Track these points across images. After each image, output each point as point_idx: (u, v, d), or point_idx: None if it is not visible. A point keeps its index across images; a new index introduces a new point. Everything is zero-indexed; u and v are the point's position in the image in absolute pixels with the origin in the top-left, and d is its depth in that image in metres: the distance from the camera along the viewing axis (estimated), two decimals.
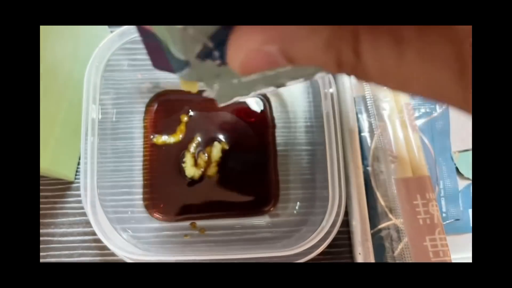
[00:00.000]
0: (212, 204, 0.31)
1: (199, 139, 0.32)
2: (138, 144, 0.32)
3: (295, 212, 0.31)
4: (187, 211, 0.31)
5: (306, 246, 0.26)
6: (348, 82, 0.29)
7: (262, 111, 0.33)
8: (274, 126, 0.33)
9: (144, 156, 0.32)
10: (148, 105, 0.33)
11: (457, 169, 0.31)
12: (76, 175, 0.32)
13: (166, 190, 0.31)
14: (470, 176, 0.31)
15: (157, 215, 0.31)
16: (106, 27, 0.34)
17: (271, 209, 0.31)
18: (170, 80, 0.33)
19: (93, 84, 0.28)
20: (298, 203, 0.31)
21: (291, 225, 0.30)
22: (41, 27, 0.22)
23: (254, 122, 0.33)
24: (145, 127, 0.33)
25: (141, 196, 0.31)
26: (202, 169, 0.31)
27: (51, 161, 0.28)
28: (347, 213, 0.30)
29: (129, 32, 0.29)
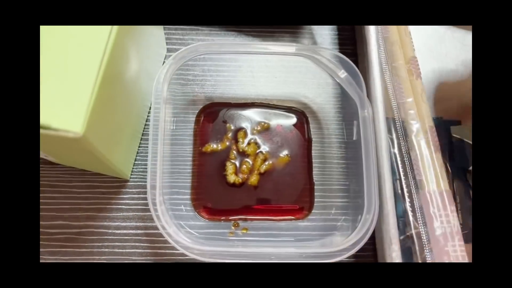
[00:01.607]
0: (253, 207, 0.35)
1: (243, 146, 0.36)
2: (189, 150, 0.36)
3: (329, 218, 0.34)
4: (230, 213, 0.35)
5: (338, 247, 0.30)
6: (381, 104, 0.33)
7: (300, 126, 0.37)
8: (310, 141, 0.37)
9: (193, 161, 0.36)
10: (198, 115, 0.37)
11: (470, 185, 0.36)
12: (131, 174, 0.35)
13: (211, 192, 0.35)
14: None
15: (204, 214, 0.34)
16: (165, 46, 0.38)
17: (307, 214, 0.35)
18: (217, 94, 0.37)
19: (160, 96, 0.32)
20: (332, 210, 0.34)
21: (325, 229, 0.34)
22: (124, 45, 0.26)
23: (292, 136, 0.37)
24: (195, 135, 0.36)
25: (189, 197, 0.35)
26: (244, 176, 0.35)
27: (121, 162, 0.31)
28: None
29: (188, 53, 0.33)
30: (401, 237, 0.32)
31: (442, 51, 0.40)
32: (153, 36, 0.33)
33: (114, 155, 0.29)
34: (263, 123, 0.37)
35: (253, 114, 0.37)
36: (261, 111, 0.37)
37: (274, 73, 0.38)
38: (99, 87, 0.22)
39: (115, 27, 0.24)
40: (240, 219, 0.34)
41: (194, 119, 0.37)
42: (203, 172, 0.35)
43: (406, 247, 0.31)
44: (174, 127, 0.35)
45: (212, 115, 0.37)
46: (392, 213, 0.31)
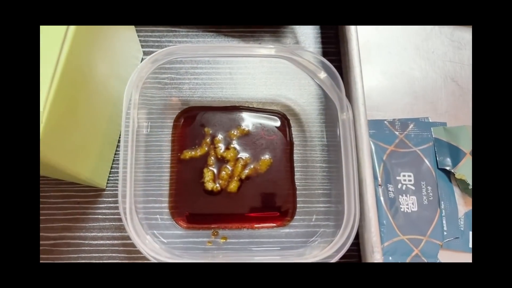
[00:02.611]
0: (233, 215, 0.34)
1: (221, 152, 0.35)
2: (166, 156, 0.35)
3: (311, 224, 0.33)
4: (209, 221, 0.33)
5: (321, 256, 0.29)
6: (362, 107, 0.32)
7: (281, 129, 0.36)
8: (292, 144, 0.35)
9: (171, 168, 0.35)
10: (175, 120, 0.36)
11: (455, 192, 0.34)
12: (107, 183, 0.34)
13: (190, 200, 0.34)
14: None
15: (182, 223, 0.33)
16: (140, 49, 0.37)
17: (289, 220, 0.34)
18: (195, 98, 0.36)
19: (133, 100, 0.30)
20: (314, 216, 0.33)
21: (307, 236, 0.32)
22: (90, 47, 0.25)
23: (274, 140, 0.35)
24: (172, 141, 0.35)
25: (167, 205, 0.34)
26: (224, 182, 0.34)
27: (92, 170, 0.30)
28: (358, 227, 0.32)
29: (163, 56, 0.31)
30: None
31: (429, 47, 0.38)
32: (123, 38, 0.32)
33: (81, 166, 0.28)
34: (243, 128, 0.35)
35: (232, 118, 0.36)
36: (241, 114, 0.36)
37: (254, 75, 0.37)
38: (54, 97, 0.21)
39: (72, 28, 0.22)
40: (219, 227, 0.33)
41: (171, 124, 0.36)
42: (181, 180, 0.34)
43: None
44: (149, 132, 0.33)
45: (190, 119, 0.36)
46: (374, 219, 0.30)
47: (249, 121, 0.36)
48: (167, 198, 0.34)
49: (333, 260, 0.29)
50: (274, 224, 0.34)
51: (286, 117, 0.36)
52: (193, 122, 0.36)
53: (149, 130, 0.33)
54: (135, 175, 0.30)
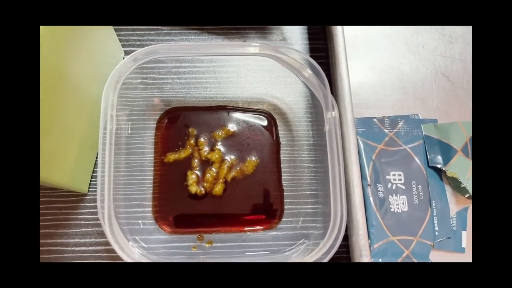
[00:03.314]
0: (219, 218, 0.33)
1: (206, 153, 0.34)
2: (149, 159, 0.34)
3: (298, 226, 0.32)
4: (194, 225, 0.33)
5: (309, 260, 0.28)
6: (349, 105, 0.31)
7: (268, 129, 0.35)
8: (279, 144, 0.34)
9: (154, 170, 0.34)
10: (158, 122, 0.35)
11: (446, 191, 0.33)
12: (89, 188, 0.34)
13: (174, 204, 0.33)
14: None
15: (166, 228, 0.32)
16: (120, 48, 0.36)
17: (276, 223, 0.33)
18: (179, 98, 0.35)
19: (111, 101, 0.29)
20: (301, 218, 0.32)
21: (295, 238, 0.32)
22: (63, 47, 0.24)
23: (260, 140, 0.34)
24: (155, 143, 0.34)
25: (150, 209, 0.33)
26: (208, 185, 0.33)
27: (70, 175, 0.29)
28: (347, 229, 0.31)
29: (143, 55, 0.30)
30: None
31: (419, 42, 0.37)
32: (101, 37, 0.31)
33: (58, 172, 0.27)
34: (228, 128, 0.34)
35: (217, 118, 0.35)
36: (226, 114, 0.35)
37: (239, 74, 0.36)
38: None
39: (44, 27, 0.21)
40: (204, 231, 0.32)
41: (154, 125, 0.35)
42: (165, 183, 0.33)
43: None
44: (130, 134, 0.32)
45: (174, 120, 0.35)
46: (362, 222, 0.29)
47: (234, 121, 0.35)
48: (150, 202, 0.33)
49: (323, 261, 0.28)
50: (261, 227, 0.33)
51: (272, 116, 0.35)
52: (176, 123, 0.35)
53: (129, 131, 0.32)
54: (115, 179, 0.29)
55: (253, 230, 0.33)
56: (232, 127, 0.34)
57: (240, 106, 0.35)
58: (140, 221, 0.32)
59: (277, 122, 0.35)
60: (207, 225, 0.33)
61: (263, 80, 0.36)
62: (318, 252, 0.28)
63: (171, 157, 0.34)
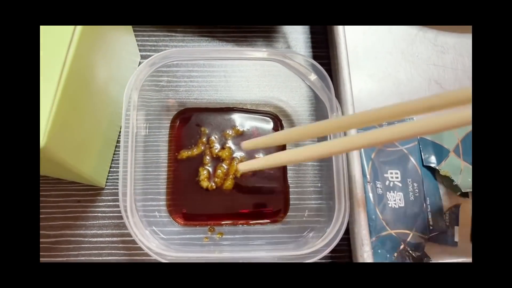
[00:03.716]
0: (229, 212, 0.35)
1: (217, 151, 0.36)
2: (163, 155, 0.36)
3: (303, 219, 0.35)
4: (206, 218, 0.35)
5: (312, 249, 0.30)
6: (351, 107, 0.33)
7: (274, 130, 0.37)
8: (284, 144, 0.37)
9: (168, 167, 0.36)
10: (172, 121, 0.37)
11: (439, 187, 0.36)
12: (106, 182, 0.36)
13: (186, 198, 0.35)
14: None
15: (179, 220, 0.34)
16: (138, 53, 0.38)
17: (282, 217, 0.35)
18: (191, 99, 0.38)
19: (132, 102, 0.32)
20: (306, 212, 0.35)
21: (300, 231, 0.34)
22: (92, 51, 0.26)
23: None
24: (169, 141, 0.36)
25: (164, 203, 0.35)
26: (219, 180, 0.35)
27: (93, 169, 0.31)
28: (348, 222, 0.34)
29: (159, 59, 0.33)
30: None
31: (413, 51, 0.40)
32: (122, 42, 0.34)
33: (83, 164, 0.29)
34: (237, 128, 0.37)
35: (227, 119, 0.37)
36: (236, 115, 0.37)
37: (248, 78, 0.38)
38: (61, 95, 0.22)
39: (78, 29, 0.24)
40: (215, 224, 0.35)
41: (168, 124, 0.37)
42: (178, 178, 0.36)
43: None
44: (148, 133, 0.35)
45: (187, 120, 0.37)
46: (364, 214, 0.31)
47: (243, 122, 0.37)
48: (164, 196, 0.35)
49: (325, 253, 0.30)
50: (268, 220, 0.35)
51: (278, 118, 0.38)
52: (189, 123, 0.37)
53: (147, 131, 0.35)
54: (134, 175, 0.31)
55: (260, 223, 0.35)
56: (241, 127, 0.37)
57: (248, 108, 0.38)
58: (156, 213, 0.34)
59: (283, 123, 0.37)
60: (217, 218, 0.35)
61: (269, 84, 0.38)
62: (322, 241, 0.30)
63: (184, 154, 0.36)
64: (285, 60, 0.34)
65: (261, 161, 0.32)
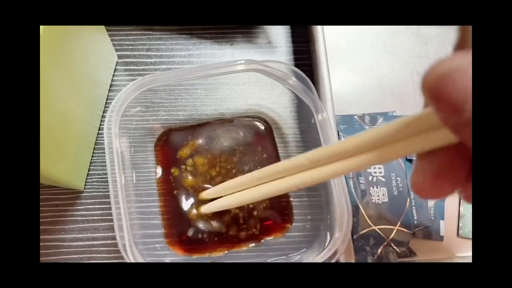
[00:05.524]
0: (229, 235, 0.33)
1: (207, 171, 0.34)
2: (153, 182, 0.35)
3: (307, 227, 0.34)
4: (207, 245, 0.33)
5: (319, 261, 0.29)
6: (330, 102, 0.33)
7: (264, 139, 0.36)
8: (277, 154, 0.36)
9: (160, 201, 0.34)
10: (156, 144, 0.36)
11: None
12: (85, 185, 0.35)
13: (182, 228, 0.33)
14: None
15: (178, 251, 0.33)
16: (114, 52, 0.37)
17: (288, 229, 0.34)
18: (174, 119, 0.37)
19: (113, 133, 0.31)
20: (309, 223, 0.34)
21: (303, 243, 0.33)
22: (61, 47, 0.26)
23: (258, 151, 0.35)
24: (156, 167, 0.35)
25: (162, 232, 0.33)
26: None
27: (69, 173, 0.31)
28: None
29: (137, 87, 0.32)
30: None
31: (396, 43, 0.40)
32: (94, 40, 0.33)
33: (56, 168, 0.28)
34: (224, 144, 0.35)
35: (214, 134, 0.36)
36: (222, 129, 0.36)
37: (230, 89, 0.37)
38: None
39: (41, 28, 0.23)
40: (217, 251, 0.33)
41: (152, 148, 0.35)
42: (172, 208, 0.34)
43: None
44: (132, 154, 0.34)
45: (171, 142, 0.35)
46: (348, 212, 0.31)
47: (230, 135, 0.36)
48: (161, 229, 0.33)
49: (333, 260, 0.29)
50: (271, 237, 0.34)
51: (266, 127, 0.36)
52: (174, 144, 0.35)
53: (132, 153, 0.34)
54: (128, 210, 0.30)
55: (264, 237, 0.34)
56: (228, 141, 0.35)
57: (233, 118, 0.36)
58: (157, 245, 0.33)
59: (272, 130, 0.36)
60: (221, 242, 0.33)
61: (252, 93, 0.37)
62: (328, 252, 0.29)
63: (174, 178, 0.34)
64: (263, 68, 0.33)
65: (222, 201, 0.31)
